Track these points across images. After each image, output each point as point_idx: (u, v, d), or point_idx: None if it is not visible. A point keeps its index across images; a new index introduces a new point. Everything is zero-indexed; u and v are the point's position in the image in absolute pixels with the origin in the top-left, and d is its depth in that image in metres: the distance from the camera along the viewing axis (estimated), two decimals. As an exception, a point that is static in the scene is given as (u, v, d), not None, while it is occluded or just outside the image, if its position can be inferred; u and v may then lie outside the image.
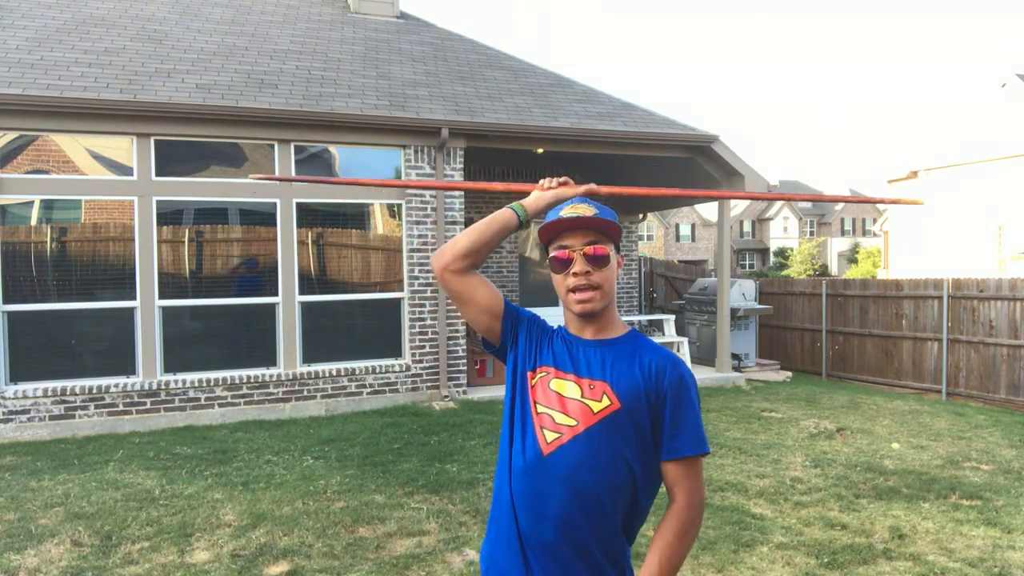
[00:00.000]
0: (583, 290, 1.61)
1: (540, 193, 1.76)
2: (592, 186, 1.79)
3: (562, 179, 1.77)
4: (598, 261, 1.62)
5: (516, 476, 1.61)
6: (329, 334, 8.05)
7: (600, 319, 1.67)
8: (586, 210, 1.64)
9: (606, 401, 1.59)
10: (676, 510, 1.60)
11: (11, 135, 6.97)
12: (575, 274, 1.61)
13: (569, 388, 1.62)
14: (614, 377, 1.61)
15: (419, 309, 8.27)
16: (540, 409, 1.62)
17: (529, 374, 1.68)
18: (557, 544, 1.56)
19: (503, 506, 1.65)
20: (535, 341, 1.72)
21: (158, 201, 7.30)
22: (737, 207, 53.81)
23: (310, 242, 7.98)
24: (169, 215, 7.44)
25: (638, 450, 1.59)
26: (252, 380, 7.56)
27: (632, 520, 1.63)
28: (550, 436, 1.58)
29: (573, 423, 1.58)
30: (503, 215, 1.71)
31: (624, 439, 1.58)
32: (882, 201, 1.82)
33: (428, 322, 8.31)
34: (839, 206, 58.13)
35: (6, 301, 6.87)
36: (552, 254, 1.67)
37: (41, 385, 6.90)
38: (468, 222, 11.56)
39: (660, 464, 1.63)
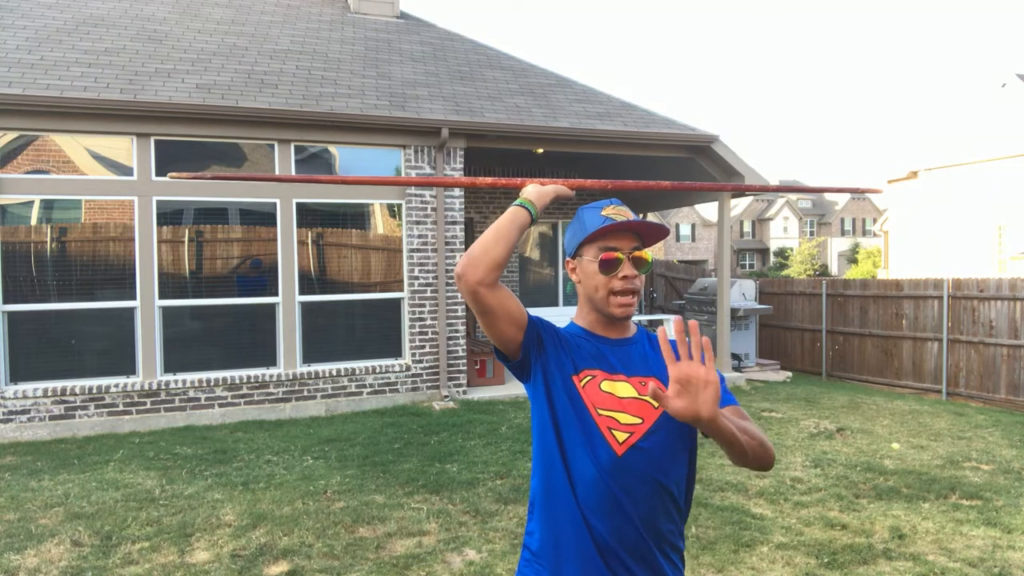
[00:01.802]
0: (626, 294, 1.63)
1: (539, 187, 1.69)
2: (582, 180, 1.79)
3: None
4: (642, 266, 1.64)
5: (585, 484, 1.57)
6: (329, 334, 8.05)
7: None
8: (628, 213, 1.66)
9: None
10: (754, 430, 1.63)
11: (11, 135, 6.98)
12: (624, 277, 1.62)
13: (622, 388, 1.63)
14: (661, 372, 1.65)
15: (419, 309, 8.28)
16: (601, 412, 1.60)
17: (574, 378, 1.64)
18: (641, 542, 1.57)
19: (563, 524, 1.59)
20: (563, 345, 1.68)
21: (158, 201, 7.30)
22: (737, 207, 53.84)
23: (310, 242, 7.98)
24: (169, 215, 7.44)
25: (689, 438, 1.66)
26: (252, 380, 7.56)
27: (689, 501, 1.70)
28: (621, 436, 1.58)
29: (639, 421, 1.59)
30: (519, 214, 1.60)
31: (680, 427, 1.63)
32: (842, 190, 1.88)
33: (428, 322, 8.31)
34: (839, 206, 58.12)
35: (6, 301, 6.87)
36: (601, 256, 1.64)
37: (41, 385, 6.90)
38: (468, 222, 11.56)
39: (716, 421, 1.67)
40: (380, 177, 1.89)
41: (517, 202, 1.65)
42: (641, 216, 13.73)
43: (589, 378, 1.64)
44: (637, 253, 1.63)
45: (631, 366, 1.66)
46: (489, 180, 1.89)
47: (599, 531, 1.56)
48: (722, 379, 1.69)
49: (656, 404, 1.58)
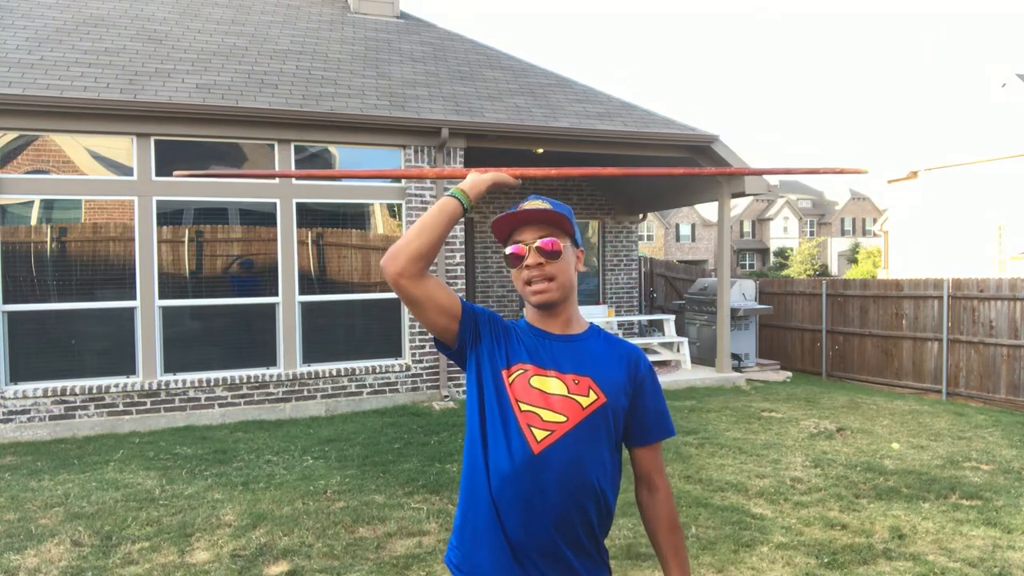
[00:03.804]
0: (538, 281, 1.62)
1: (477, 176, 1.71)
2: (525, 169, 1.78)
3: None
4: (550, 253, 1.62)
5: (500, 480, 1.56)
6: (329, 334, 8.05)
7: (564, 313, 1.68)
8: (542, 204, 1.64)
9: (593, 396, 1.60)
10: (664, 499, 1.68)
11: (11, 135, 6.97)
12: (528, 267, 1.62)
13: (552, 384, 1.60)
14: (597, 371, 1.63)
15: (419, 309, 8.26)
16: (524, 407, 1.58)
17: (504, 372, 1.63)
18: (555, 544, 1.55)
19: (479, 513, 1.60)
20: (501, 338, 1.67)
21: (158, 201, 7.30)
22: (737, 207, 53.82)
23: (310, 242, 7.98)
24: (169, 215, 7.44)
25: (615, 441, 1.65)
26: (252, 380, 7.56)
27: (611, 506, 1.67)
28: (540, 434, 1.55)
29: (562, 419, 1.57)
30: (448, 205, 1.62)
31: (607, 432, 1.61)
32: (824, 171, 1.86)
33: (428, 322, 8.29)
34: (839, 206, 58.12)
35: (6, 301, 6.87)
36: (507, 250, 1.67)
37: (41, 385, 6.90)
38: (468, 222, 11.56)
39: (635, 450, 1.69)
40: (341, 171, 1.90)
41: (449, 192, 1.67)
42: (642, 216, 13.75)
43: (520, 372, 1.62)
44: (544, 241, 1.62)
45: (567, 362, 1.63)
46: (433, 171, 1.91)
47: (510, 525, 1.56)
48: (662, 406, 1.70)
49: (585, 404, 1.58)
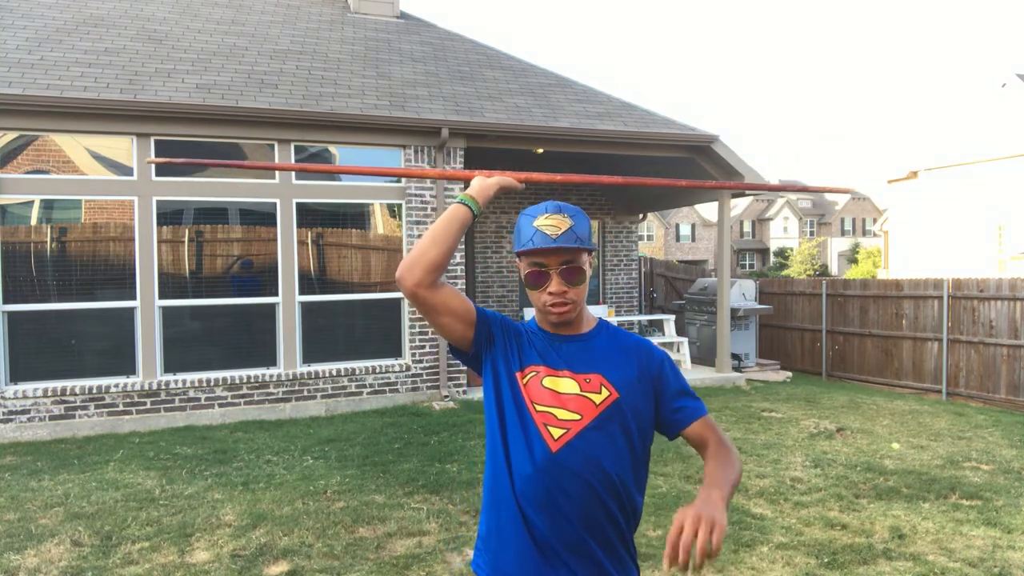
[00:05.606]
0: (559, 304, 1.63)
1: (483, 180, 1.70)
2: (531, 173, 1.77)
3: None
4: (574, 279, 1.62)
5: (522, 480, 1.59)
6: (329, 334, 8.05)
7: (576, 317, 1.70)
8: (561, 222, 1.61)
9: (605, 392, 1.62)
10: (715, 444, 1.66)
11: (11, 135, 6.97)
12: (551, 292, 1.62)
13: (564, 384, 1.63)
14: (607, 368, 1.65)
15: (419, 309, 8.26)
16: (539, 408, 1.61)
17: (518, 374, 1.65)
18: (578, 538, 1.57)
19: (504, 516, 1.62)
20: (513, 341, 1.69)
21: (158, 201, 7.30)
22: (737, 207, 53.84)
23: (310, 242, 7.98)
24: (169, 215, 7.44)
25: (636, 435, 1.64)
26: (252, 380, 7.56)
27: (637, 502, 1.67)
28: (556, 433, 1.58)
29: (577, 417, 1.59)
30: (459, 212, 1.63)
31: (624, 426, 1.62)
32: (814, 190, 1.91)
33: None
34: (839, 206, 58.12)
35: (6, 301, 6.87)
36: (527, 271, 1.65)
37: (41, 385, 6.89)
38: (468, 222, 11.55)
39: (682, 433, 1.69)
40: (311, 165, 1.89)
41: (458, 198, 1.67)
42: (642, 216, 13.74)
43: (533, 374, 1.65)
44: (567, 266, 1.61)
45: (578, 362, 1.65)
46: (435, 172, 1.90)
47: (536, 524, 1.58)
48: (686, 388, 1.70)
49: (598, 401, 1.60)
